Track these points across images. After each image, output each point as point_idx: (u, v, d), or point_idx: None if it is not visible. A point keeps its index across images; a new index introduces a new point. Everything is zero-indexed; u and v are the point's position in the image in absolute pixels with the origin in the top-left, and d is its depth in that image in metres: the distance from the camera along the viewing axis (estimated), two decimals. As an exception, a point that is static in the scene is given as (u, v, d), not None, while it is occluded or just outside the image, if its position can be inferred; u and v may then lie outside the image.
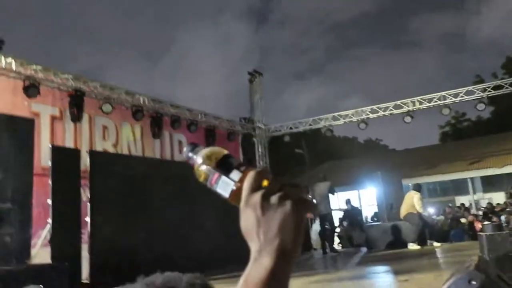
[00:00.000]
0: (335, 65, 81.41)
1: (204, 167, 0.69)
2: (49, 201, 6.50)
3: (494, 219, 11.61)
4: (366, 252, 9.98)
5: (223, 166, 0.68)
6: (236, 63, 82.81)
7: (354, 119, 13.85)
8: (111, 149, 10.14)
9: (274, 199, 0.59)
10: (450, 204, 17.29)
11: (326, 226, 10.04)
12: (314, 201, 8.98)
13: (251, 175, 0.63)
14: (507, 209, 12.75)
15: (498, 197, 17.77)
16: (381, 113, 13.55)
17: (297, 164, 32.01)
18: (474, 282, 2.34)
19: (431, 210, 16.87)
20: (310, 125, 14.79)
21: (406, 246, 9.39)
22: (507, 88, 12.28)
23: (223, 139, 13.57)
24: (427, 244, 9.49)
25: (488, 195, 19.16)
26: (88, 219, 6.90)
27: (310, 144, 32.49)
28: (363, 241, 10.86)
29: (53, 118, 9.16)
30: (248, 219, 0.60)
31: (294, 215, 0.58)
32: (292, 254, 0.58)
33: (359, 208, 12.08)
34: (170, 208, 7.81)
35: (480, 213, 14.79)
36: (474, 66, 73.47)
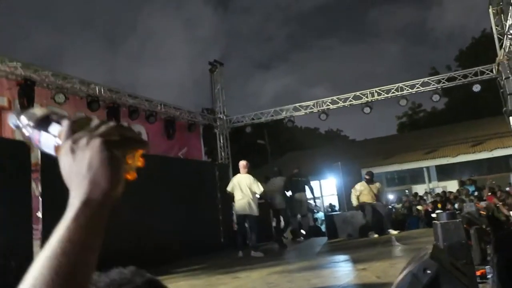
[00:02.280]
0: (299, 55, 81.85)
1: (27, 129, 0.66)
2: (-4, 197, 6.15)
3: (449, 206, 12.07)
4: (327, 241, 10.11)
5: (44, 123, 0.65)
6: (200, 52, 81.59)
7: (315, 109, 13.97)
8: (65, 141, 9.72)
9: (83, 140, 0.57)
10: (407, 192, 17.84)
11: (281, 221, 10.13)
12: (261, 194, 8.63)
13: (65, 124, 0.61)
14: (460, 197, 13.26)
15: (452, 185, 18.48)
16: (341, 104, 13.73)
17: (260, 155, 32.10)
18: (429, 271, 2.37)
19: (390, 197, 17.37)
20: (272, 115, 14.81)
21: (366, 235, 9.58)
22: (460, 79, 12.73)
23: (184, 130, 13.37)
24: (385, 232, 9.73)
25: (443, 184, 19.89)
26: (40, 214, 6.61)
27: (273, 135, 32.65)
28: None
29: (1, 109, 8.67)
30: (64, 166, 0.59)
31: (102, 152, 0.56)
32: (104, 192, 0.56)
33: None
34: (128, 200, 7.59)
35: (436, 200, 15.33)
36: (432, 58, 76.09)
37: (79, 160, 0.57)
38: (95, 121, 0.61)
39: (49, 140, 0.64)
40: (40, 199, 6.69)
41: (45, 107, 9.35)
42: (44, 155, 6.72)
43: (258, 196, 8.31)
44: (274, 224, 11.02)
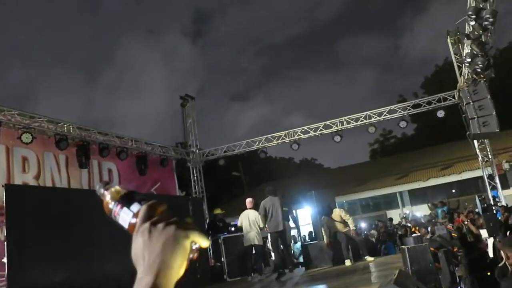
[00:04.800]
0: (274, 85, 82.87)
1: (110, 201, 0.76)
2: (-42, 243, 5.89)
3: (422, 230, 12.21)
4: (304, 271, 10.04)
5: (126, 199, 0.75)
6: (178, 85, 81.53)
7: (287, 140, 14.12)
8: (32, 182, 9.45)
9: (160, 225, 0.66)
10: (380, 219, 17.96)
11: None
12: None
13: (143, 207, 0.71)
14: (433, 220, 13.45)
15: (426, 209, 18.77)
16: (312, 133, 13.93)
17: (235, 186, 31.98)
18: (393, 297, 2.39)
19: (362, 225, 17.49)
20: (245, 147, 14.86)
21: (343, 263, 9.56)
22: (424, 106, 13.18)
23: (156, 166, 13.24)
24: (362, 259, 9.74)
25: (416, 208, 20.19)
26: (5, 260, 6.34)
27: (248, 166, 32.66)
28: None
29: (-35, 151, 8.43)
30: (137, 245, 0.66)
31: (176, 238, 0.65)
32: (172, 272, 0.63)
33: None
34: (100, 242, 7.38)
35: (409, 225, 15.52)
36: (403, 85, 78.46)
37: (155, 240, 0.65)
38: (169, 211, 0.71)
39: (127, 216, 0.73)
40: (5, 243, 6.43)
41: (11, 148, 9.16)
42: (9, 198, 6.53)
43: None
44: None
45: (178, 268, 0.65)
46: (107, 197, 0.77)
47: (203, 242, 0.69)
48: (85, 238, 7.20)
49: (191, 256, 0.68)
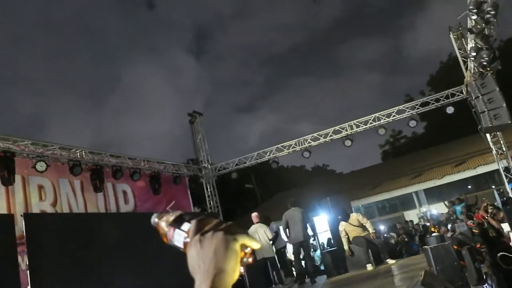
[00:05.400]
0: (279, 95, 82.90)
1: (164, 227, 0.80)
2: (-19, 275, 5.96)
3: (442, 228, 12.06)
4: (326, 278, 9.95)
5: (177, 222, 0.79)
6: (184, 102, 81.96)
7: (297, 148, 14.10)
8: (49, 210, 9.55)
9: (209, 233, 0.70)
10: (399, 221, 17.78)
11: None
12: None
13: (192, 222, 0.75)
14: (451, 218, 13.29)
15: (443, 207, 18.54)
16: (322, 139, 13.89)
17: (249, 199, 31.92)
18: (422, 298, 2.36)
19: (381, 227, 17.31)
20: (256, 159, 14.87)
21: (364, 267, 9.46)
22: (433, 103, 13.07)
23: (170, 184, 13.29)
24: (383, 262, 9.64)
25: (434, 206, 19.95)
26: (29, 288, 6.39)
27: (260, 177, 32.60)
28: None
29: (-18, 184, 8.54)
30: (191, 256, 0.70)
31: (225, 243, 0.68)
32: (227, 276, 0.66)
33: None
34: (122, 265, 7.41)
35: (428, 224, 15.35)
36: (408, 85, 78.03)
37: (207, 247, 0.69)
38: (217, 220, 0.75)
39: (181, 236, 0.77)
40: (28, 272, 6.48)
41: (27, 177, 9.28)
42: (29, 227, 6.60)
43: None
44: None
45: (232, 272, 0.67)
46: (162, 225, 0.81)
47: (254, 244, 0.71)
48: (106, 263, 7.23)
49: (245, 260, 0.70)
